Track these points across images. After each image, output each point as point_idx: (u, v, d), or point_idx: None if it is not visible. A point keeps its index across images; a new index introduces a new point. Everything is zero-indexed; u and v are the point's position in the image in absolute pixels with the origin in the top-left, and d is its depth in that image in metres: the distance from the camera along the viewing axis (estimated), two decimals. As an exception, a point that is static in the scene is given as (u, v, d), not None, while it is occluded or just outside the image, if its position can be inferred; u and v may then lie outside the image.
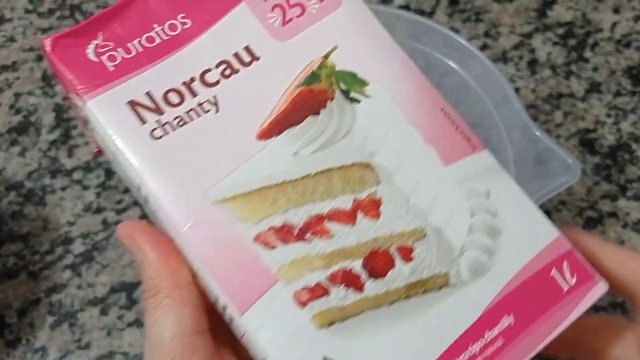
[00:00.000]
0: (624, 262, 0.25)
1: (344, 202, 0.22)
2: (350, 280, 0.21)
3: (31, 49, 0.51)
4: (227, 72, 0.23)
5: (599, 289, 0.23)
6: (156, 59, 0.23)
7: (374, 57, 0.24)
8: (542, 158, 0.35)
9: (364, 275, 0.21)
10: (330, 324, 0.21)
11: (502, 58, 0.51)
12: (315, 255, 0.21)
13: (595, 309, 0.39)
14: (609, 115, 0.48)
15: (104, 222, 0.43)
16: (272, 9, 0.24)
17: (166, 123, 0.22)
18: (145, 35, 0.23)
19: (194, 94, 0.23)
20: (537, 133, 0.35)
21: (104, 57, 0.23)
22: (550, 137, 0.44)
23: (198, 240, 0.21)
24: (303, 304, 0.21)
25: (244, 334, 0.21)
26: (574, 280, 0.23)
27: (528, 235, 0.23)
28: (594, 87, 0.50)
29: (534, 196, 0.33)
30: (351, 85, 0.23)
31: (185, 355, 0.21)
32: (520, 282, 0.22)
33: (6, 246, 0.42)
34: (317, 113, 0.23)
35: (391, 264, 0.22)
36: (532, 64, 0.51)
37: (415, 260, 0.22)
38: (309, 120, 0.23)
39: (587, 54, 0.51)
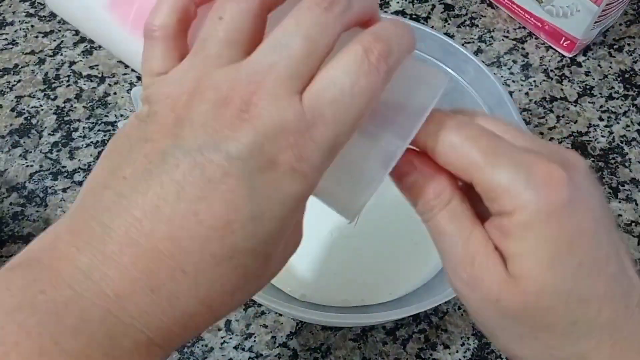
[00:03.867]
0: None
1: None
2: None
3: (32, 52, 0.52)
4: None
5: None
6: None
7: None
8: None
9: None
10: None
11: (497, 62, 0.52)
12: None
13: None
14: (601, 119, 0.49)
15: (105, 223, 0.44)
16: None
17: None
18: None
19: None
20: None
21: None
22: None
23: None
24: None
25: None
26: None
27: None
28: (587, 91, 0.51)
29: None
30: None
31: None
32: None
33: (7, 247, 0.43)
34: None
35: None
36: (526, 68, 0.52)
37: None
38: None
39: (580, 58, 0.52)
